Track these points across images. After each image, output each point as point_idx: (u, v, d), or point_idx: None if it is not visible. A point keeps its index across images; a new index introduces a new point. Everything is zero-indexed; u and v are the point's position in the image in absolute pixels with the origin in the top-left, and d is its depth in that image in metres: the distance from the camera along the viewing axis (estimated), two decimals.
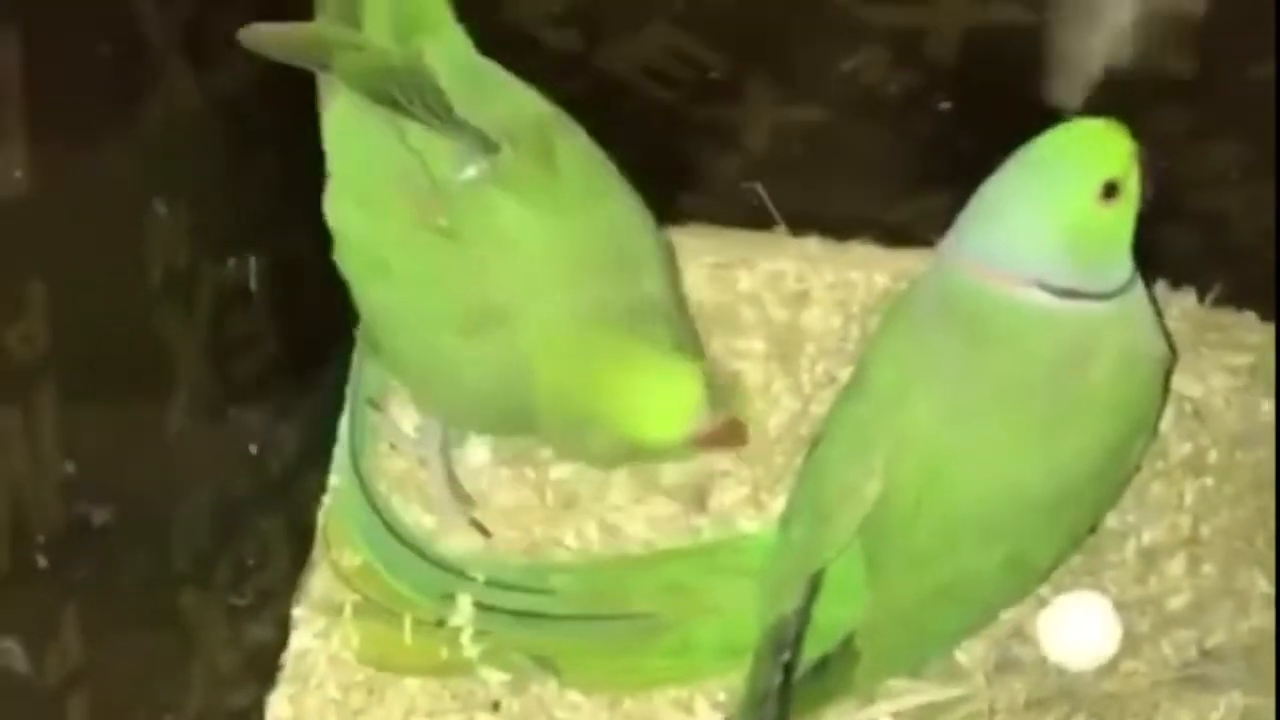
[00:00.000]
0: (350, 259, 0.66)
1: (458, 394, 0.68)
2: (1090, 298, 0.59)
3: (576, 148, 0.66)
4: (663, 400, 0.63)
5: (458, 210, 0.63)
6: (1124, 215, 0.59)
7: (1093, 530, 0.69)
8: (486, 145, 0.63)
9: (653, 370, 0.64)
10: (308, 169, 0.67)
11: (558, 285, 0.63)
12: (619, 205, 0.66)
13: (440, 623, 0.70)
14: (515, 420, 0.67)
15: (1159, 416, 0.68)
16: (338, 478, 0.75)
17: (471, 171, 0.64)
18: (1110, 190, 0.58)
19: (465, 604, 0.70)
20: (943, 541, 0.63)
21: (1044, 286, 0.59)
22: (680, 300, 0.69)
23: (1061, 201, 0.59)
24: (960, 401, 0.61)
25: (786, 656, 0.64)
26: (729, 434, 0.65)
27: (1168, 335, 0.64)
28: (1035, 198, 0.59)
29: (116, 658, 0.59)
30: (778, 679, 0.64)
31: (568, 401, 0.64)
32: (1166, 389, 0.67)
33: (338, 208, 0.66)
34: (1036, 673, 0.69)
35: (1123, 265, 0.60)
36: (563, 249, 0.64)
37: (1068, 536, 0.66)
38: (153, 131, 0.58)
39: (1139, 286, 0.62)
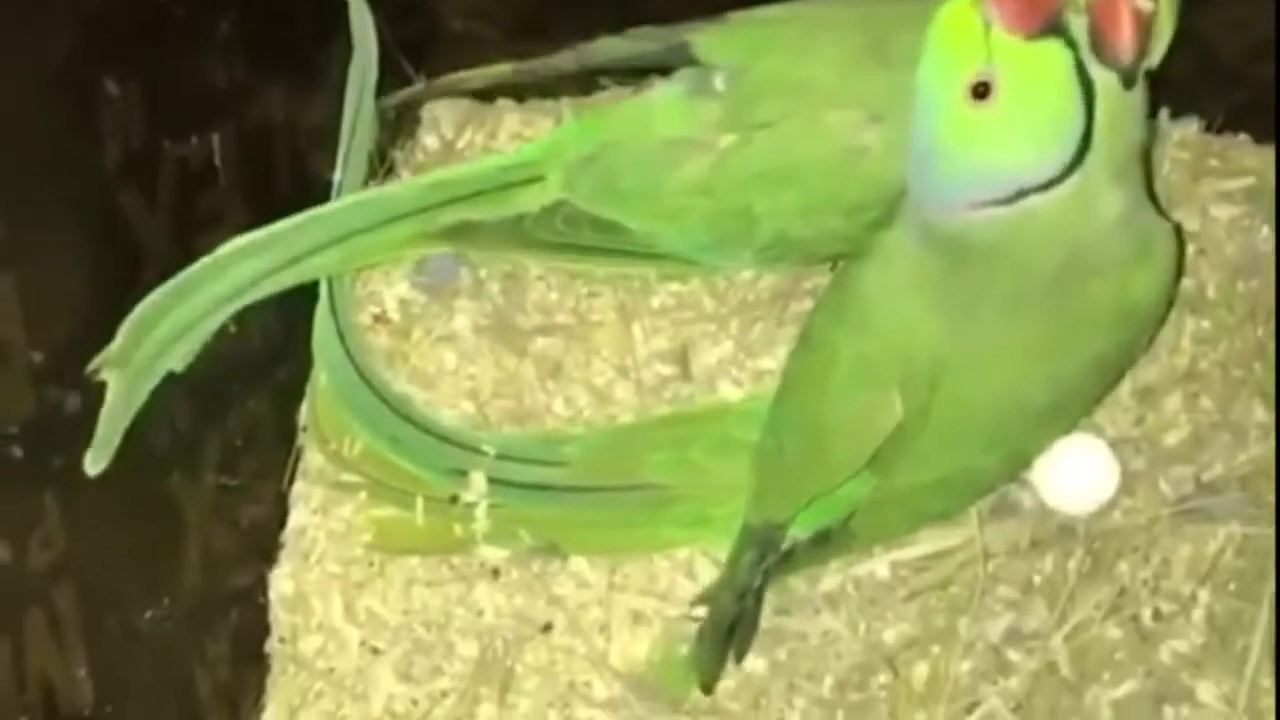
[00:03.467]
0: None
1: None
2: (1034, 191, 0.53)
3: None
4: None
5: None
6: (1008, 107, 0.51)
7: None
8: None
9: None
10: (269, 35, 0.66)
11: None
12: None
13: (453, 499, 0.70)
14: None
15: (1169, 308, 0.64)
16: (322, 363, 0.72)
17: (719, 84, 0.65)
18: (981, 90, 0.50)
19: (479, 479, 0.70)
20: (947, 446, 0.62)
21: (980, 205, 0.54)
22: None
23: (935, 124, 0.52)
24: (963, 323, 0.59)
25: (770, 561, 0.65)
26: None
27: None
28: (921, 126, 0.53)
29: (103, 544, 0.59)
30: (758, 581, 0.65)
31: None
32: (1179, 275, 0.62)
33: None
34: (1034, 516, 0.68)
35: (1056, 145, 0.53)
36: None
37: (1066, 428, 0.66)
38: (98, 7, 0.57)
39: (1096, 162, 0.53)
